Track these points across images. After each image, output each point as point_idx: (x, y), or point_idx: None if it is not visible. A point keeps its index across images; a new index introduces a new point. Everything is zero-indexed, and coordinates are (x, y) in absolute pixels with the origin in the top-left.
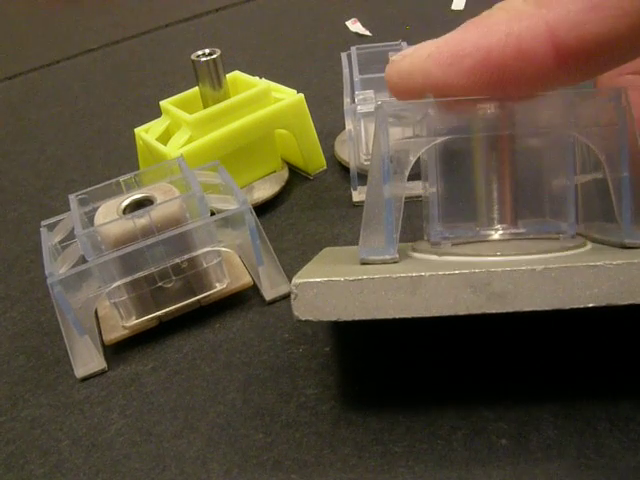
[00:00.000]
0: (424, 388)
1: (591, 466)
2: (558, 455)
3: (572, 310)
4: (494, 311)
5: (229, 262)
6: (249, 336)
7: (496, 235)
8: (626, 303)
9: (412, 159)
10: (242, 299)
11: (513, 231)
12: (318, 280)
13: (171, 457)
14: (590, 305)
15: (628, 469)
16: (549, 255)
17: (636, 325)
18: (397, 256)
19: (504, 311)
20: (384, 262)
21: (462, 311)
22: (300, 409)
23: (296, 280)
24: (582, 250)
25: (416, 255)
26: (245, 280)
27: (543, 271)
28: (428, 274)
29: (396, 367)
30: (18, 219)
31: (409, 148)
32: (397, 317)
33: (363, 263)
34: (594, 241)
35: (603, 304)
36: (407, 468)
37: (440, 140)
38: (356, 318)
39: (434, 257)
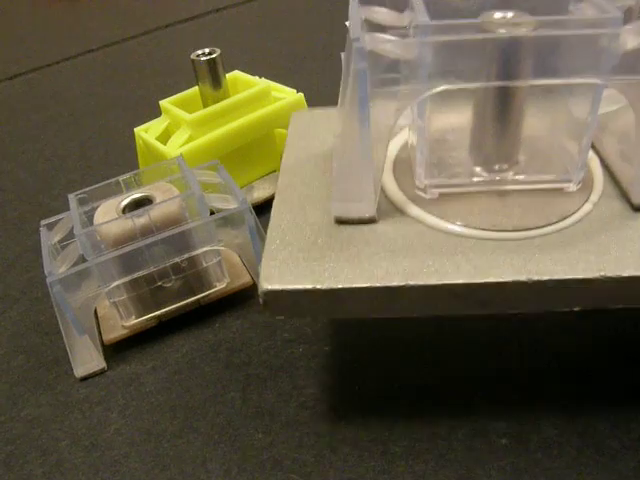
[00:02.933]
0: (424, 388)
1: (591, 465)
2: (558, 455)
3: (572, 313)
4: (476, 313)
5: (229, 261)
6: (249, 335)
7: (492, 183)
8: (616, 307)
9: (400, 111)
10: (242, 298)
11: (512, 178)
12: (289, 288)
13: (171, 457)
14: (576, 309)
15: (628, 469)
16: (543, 234)
17: (636, 324)
18: (375, 214)
19: (487, 313)
20: (361, 221)
21: (444, 313)
22: (300, 409)
23: (265, 285)
24: (583, 222)
25: (399, 206)
26: (245, 279)
27: (532, 284)
28: (409, 285)
29: (396, 367)
30: (18, 219)
31: (396, 98)
32: (373, 317)
33: (338, 221)
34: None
35: (590, 307)
36: (407, 468)
37: (438, 90)
38: (330, 317)
39: (419, 218)
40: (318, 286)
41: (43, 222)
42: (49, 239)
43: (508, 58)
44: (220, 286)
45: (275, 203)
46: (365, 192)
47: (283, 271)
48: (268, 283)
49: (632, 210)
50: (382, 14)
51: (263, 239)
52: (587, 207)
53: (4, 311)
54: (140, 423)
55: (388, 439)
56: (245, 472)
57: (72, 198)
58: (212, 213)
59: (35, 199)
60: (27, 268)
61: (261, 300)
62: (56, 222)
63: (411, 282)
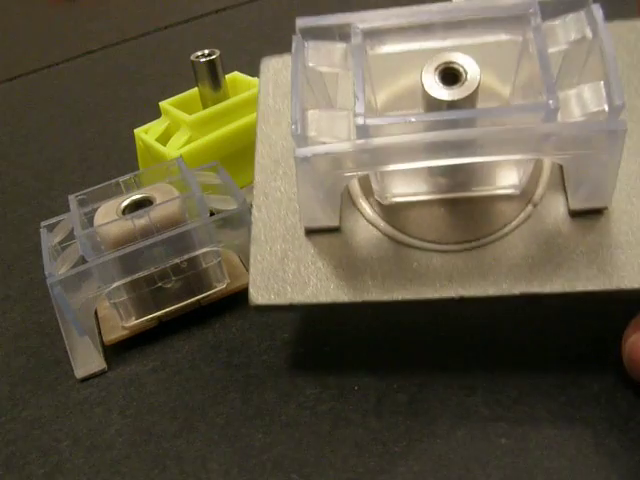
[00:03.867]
0: (423, 388)
1: (590, 465)
2: (557, 454)
3: (572, 312)
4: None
5: (228, 262)
6: (249, 336)
7: (443, 193)
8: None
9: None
10: (242, 299)
11: (462, 189)
12: (270, 304)
13: (171, 457)
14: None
15: (627, 468)
16: (481, 245)
17: None
18: (338, 224)
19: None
20: (328, 229)
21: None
22: (300, 409)
23: (253, 301)
24: (521, 229)
25: (360, 209)
26: (245, 280)
27: (463, 299)
28: (361, 300)
29: (395, 367)
30: (18, 220)
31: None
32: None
33: (307, 231)
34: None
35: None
36: (407, 468)
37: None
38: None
39: (377, 225)
40: (292, 302)
41: (43, 223)
42: (49, 240)
43: (449, 149)
44: (220, 287)
45: (254, 212)
46: (325, 214)
47: (266, 288)
48: (255, 300)
49: (568, 214)
50: (329, 55)
51: None
52: (528, 210)
53: (4, 312)
54: (140, 424)
55: (388, 439)
56: (245, 472)
57: (72, 199)
58: (212, 214)
59: (35, 200)
60: (27, 269)
61: (252, 308)
62: (56, 223)
63: (362, 299)
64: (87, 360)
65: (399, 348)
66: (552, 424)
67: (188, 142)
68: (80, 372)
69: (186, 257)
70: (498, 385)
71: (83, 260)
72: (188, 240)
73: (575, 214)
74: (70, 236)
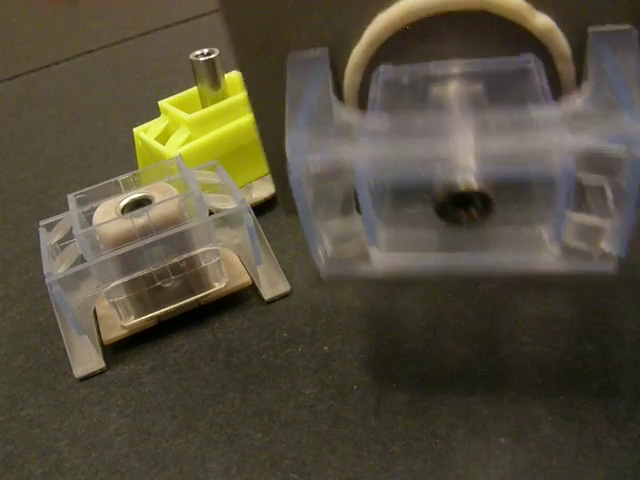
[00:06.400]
0: (422, 387)
1: (590, 464)
2: (557, 454)
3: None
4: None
5: (228, 261)
6: (248, 335)
7: None
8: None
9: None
10: (241, 298)
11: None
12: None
13: (170, 456)
14: None
15: (627, 468)
16: None
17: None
18: None
19: None
20: None
21: None
22: (299, 408)
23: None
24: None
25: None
26: (244, 279)
27: None
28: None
29: (394, 366)
30: (17, 219)
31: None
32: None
33: None
34: None
35: None
36: (406, 467)
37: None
38: None
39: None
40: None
41: (42, 222)
42: (48, 239)
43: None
44: (219, 286)
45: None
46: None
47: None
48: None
49: None
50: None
51: (262, 239)
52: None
53: (4, 311)
54: (139, 423)
55: (387, 438)
56: (244, 472)
57: (71, 198)
58: (211, 213)
59: (34, 199)
60: (26, 268)
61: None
62: (55, 222)
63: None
64: (86, 359)
65: (398, 348)
66: (552, 424)
67: (187, 141)
68: (79, 371)
69: (185, 256)
70: (498, 384)
71: (82, 259)
72: (187, 239)
73: None
74: (69, 235)
